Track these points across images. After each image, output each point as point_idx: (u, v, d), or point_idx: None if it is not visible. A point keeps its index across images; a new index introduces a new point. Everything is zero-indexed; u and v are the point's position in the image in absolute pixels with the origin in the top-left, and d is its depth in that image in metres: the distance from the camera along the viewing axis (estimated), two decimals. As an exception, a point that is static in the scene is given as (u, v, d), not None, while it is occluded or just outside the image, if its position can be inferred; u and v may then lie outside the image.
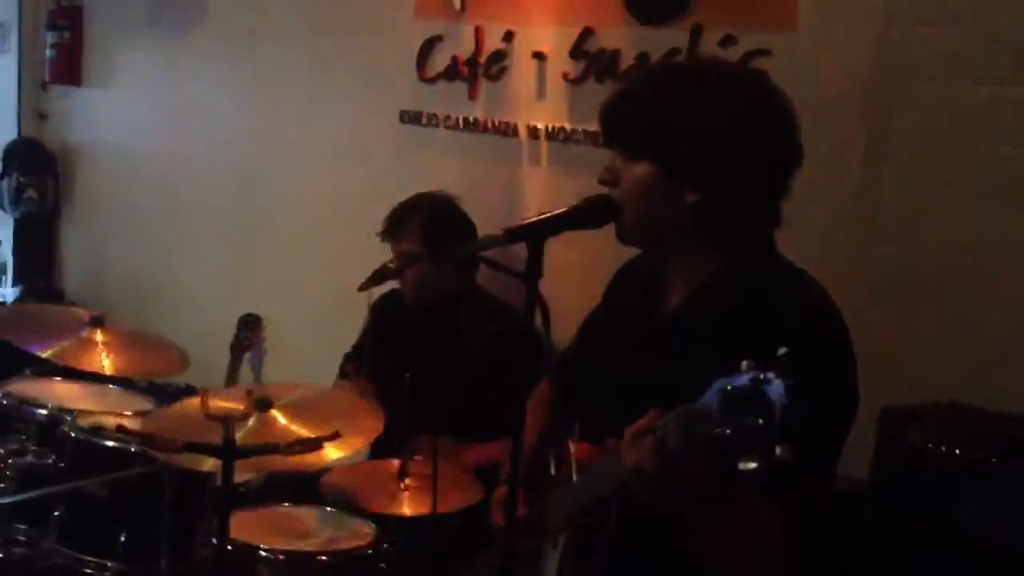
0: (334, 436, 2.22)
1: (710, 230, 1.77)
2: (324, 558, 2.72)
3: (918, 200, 2.77)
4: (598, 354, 2.02)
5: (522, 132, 3.60)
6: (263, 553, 2.66)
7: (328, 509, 2.90)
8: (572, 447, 1.92)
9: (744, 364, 1.30)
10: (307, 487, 3.03)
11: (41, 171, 5.53)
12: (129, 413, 3.00)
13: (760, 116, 1.74)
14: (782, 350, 1.28)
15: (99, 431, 2.79)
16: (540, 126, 3.55)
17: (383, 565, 2.75)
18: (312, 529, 2.85)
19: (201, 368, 3.40)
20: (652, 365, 1.80)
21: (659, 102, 1.75)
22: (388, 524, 2.78)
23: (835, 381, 1.63)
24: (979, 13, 2.68)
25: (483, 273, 3.43)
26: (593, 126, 1.90)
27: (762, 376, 1.28)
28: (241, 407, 2.30)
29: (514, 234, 1.75)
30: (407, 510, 2.68)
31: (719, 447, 1.32)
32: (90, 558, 2.73)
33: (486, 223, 3.44)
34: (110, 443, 2.76)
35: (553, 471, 2.04)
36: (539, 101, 3.56)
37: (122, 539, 2.73)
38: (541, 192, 3.52)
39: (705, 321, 1.75)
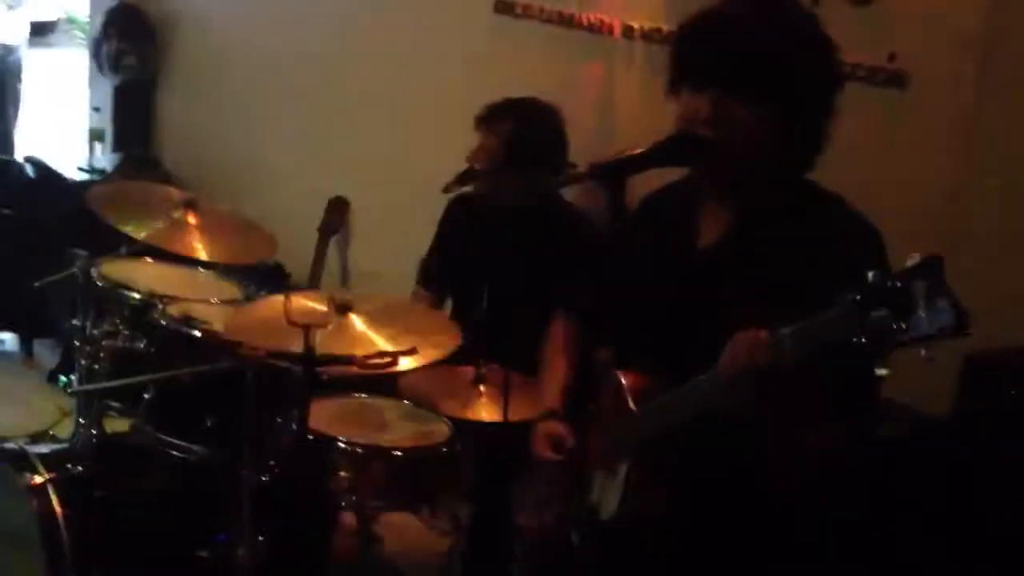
0: (411, 351, 2.27)
1: (790, 163, 1.78)
2: (399, 453, 2.77)
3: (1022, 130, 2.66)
4: (632, 285, 1.97)
5: (617, 30, 3.51)
6: (341, 445, 2.71)
7: (406, 403, 2.94)
8: (623, 378, 1.91)
9: (871, 274, 1.35)
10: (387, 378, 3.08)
11: (141, 38, 5.57)
12: (217, 300, 3.07)
13: (832, 47, 1.77)
14: (914, 257, 1.33)
15: (188, 321, 2.86)
16: (636, 25, 3.45)
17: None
18: (389, 422, 2.90)
19: (289, 249, 3.42)
20: (708, 294, 1.79)
21: (773, 38, 1.72)
22: (460, 428, 2.82)
23: None
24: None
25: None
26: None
27: (898, 283, 1.32)
28: (322, 312, 2.36)
29: (599, 171, 1.76)
30: (483, 415, 2.73)
31: (851, 354, 1.37)
32: (178, 441, 2.81)
33: (575, 122, 3.40)
34: (197, 334, 2.83)
35: (598, 402, 2.04)
36: (637, -1, 3.46)
37: (208, 424, 2.81)
38: (632, 94, 3.44)
39: (761, 247, 1.75)
